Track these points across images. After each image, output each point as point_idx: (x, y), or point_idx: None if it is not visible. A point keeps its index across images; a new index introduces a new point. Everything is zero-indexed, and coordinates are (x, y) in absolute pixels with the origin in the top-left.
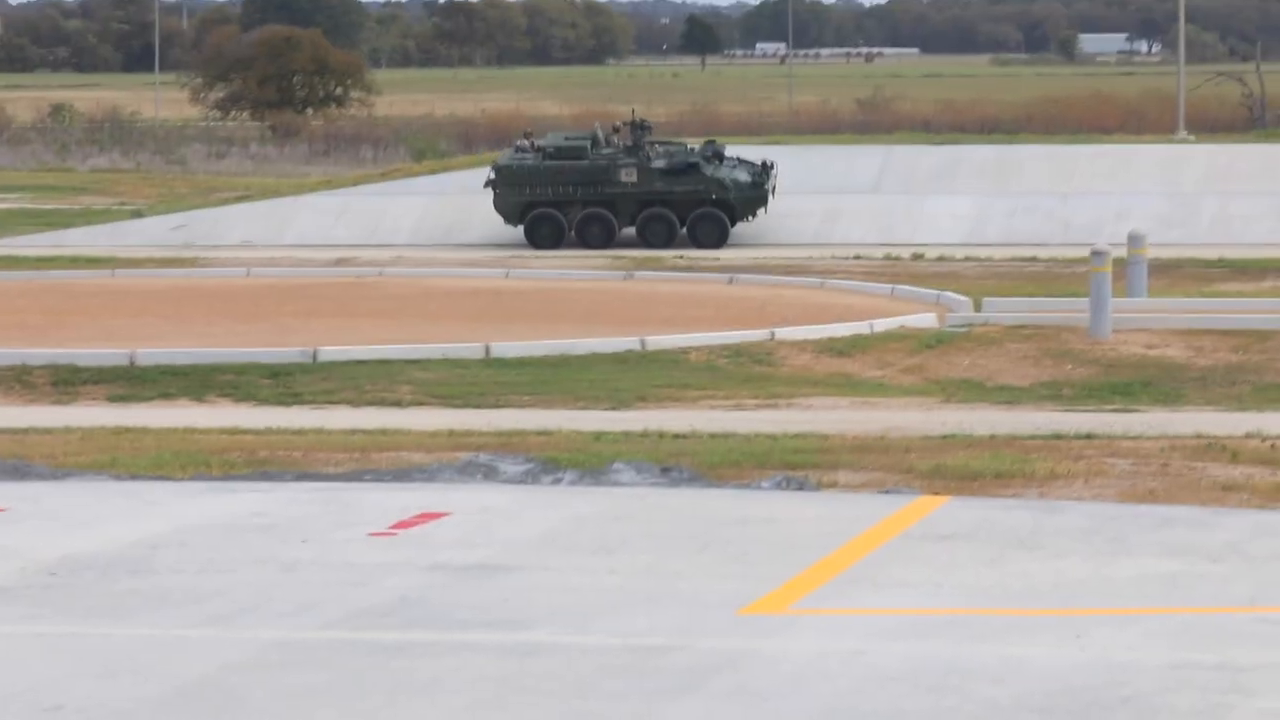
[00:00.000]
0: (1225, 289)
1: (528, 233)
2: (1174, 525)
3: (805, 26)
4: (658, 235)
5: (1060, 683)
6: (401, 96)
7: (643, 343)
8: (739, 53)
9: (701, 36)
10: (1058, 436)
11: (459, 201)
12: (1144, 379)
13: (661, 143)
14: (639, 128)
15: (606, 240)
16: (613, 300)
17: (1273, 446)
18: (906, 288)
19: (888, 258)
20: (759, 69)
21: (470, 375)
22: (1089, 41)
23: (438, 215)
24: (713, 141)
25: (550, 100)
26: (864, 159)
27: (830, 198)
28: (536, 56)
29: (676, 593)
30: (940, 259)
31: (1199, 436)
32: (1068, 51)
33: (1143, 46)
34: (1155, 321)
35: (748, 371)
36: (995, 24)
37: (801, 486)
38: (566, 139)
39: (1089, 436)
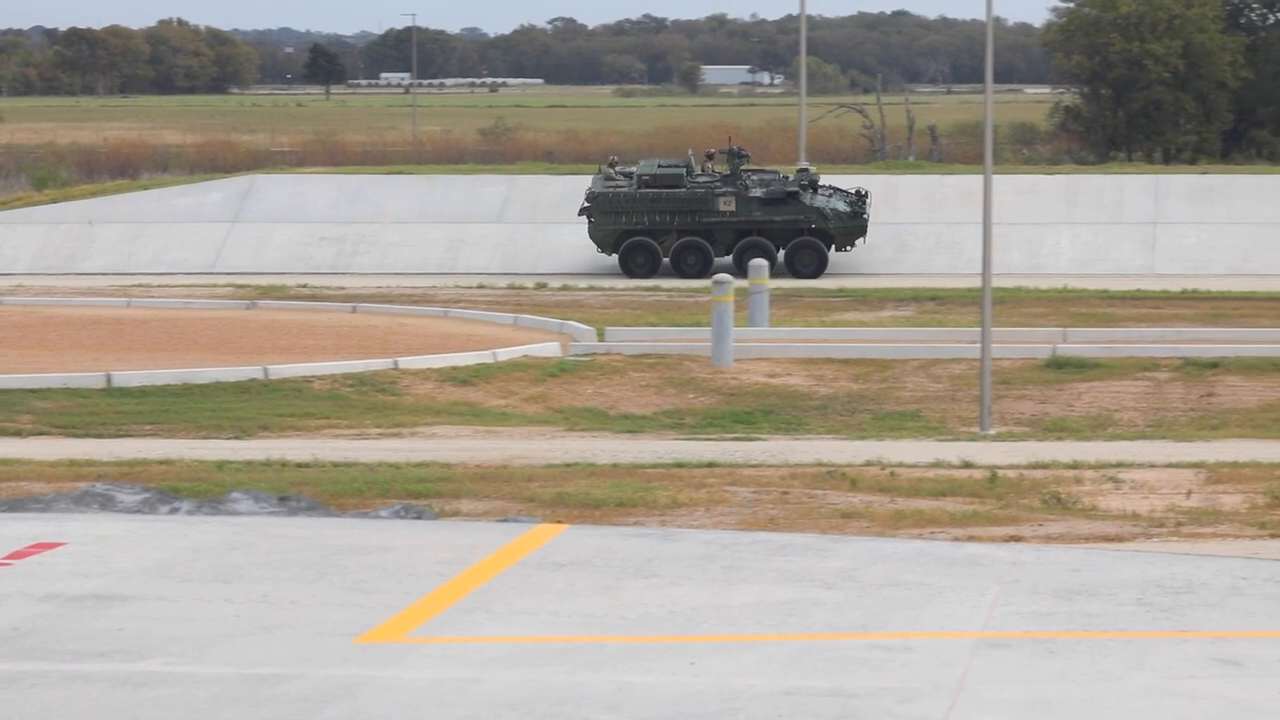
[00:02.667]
0: (845, 318)
1: (622, 262)
2: (790, 552)
3: (430, 56)
4: None
5: (674, 709)
6: (23, 125)
7: (266, 371)
8: (364, 82)
9: (326, 66)
10: (680, 465)
11: (80, 230)
12: (765, 407)
13: (755, 171)
14: (736, 156)
15: (703, 269)
16: (236, 329)
17: (891, 474)
18: (530, 317)
19: (511, 287)
20: (384, 98)
21: (92, 405)
22: (712, 73)
23: (59, 244)
24: (806, 170)
25: (173, 129)
26: (488, 188)
27: (454, 227)
28: (160, 85)
29: (293, 622)
30: (564, 288)
31: (819, 464)
32: (691, 83)
33: (765, 78)
34: (776, 350)
35: (371, 400)
36: (619, 55)
37: (420, 515)
38: (660, 166)
39: (711, 465)
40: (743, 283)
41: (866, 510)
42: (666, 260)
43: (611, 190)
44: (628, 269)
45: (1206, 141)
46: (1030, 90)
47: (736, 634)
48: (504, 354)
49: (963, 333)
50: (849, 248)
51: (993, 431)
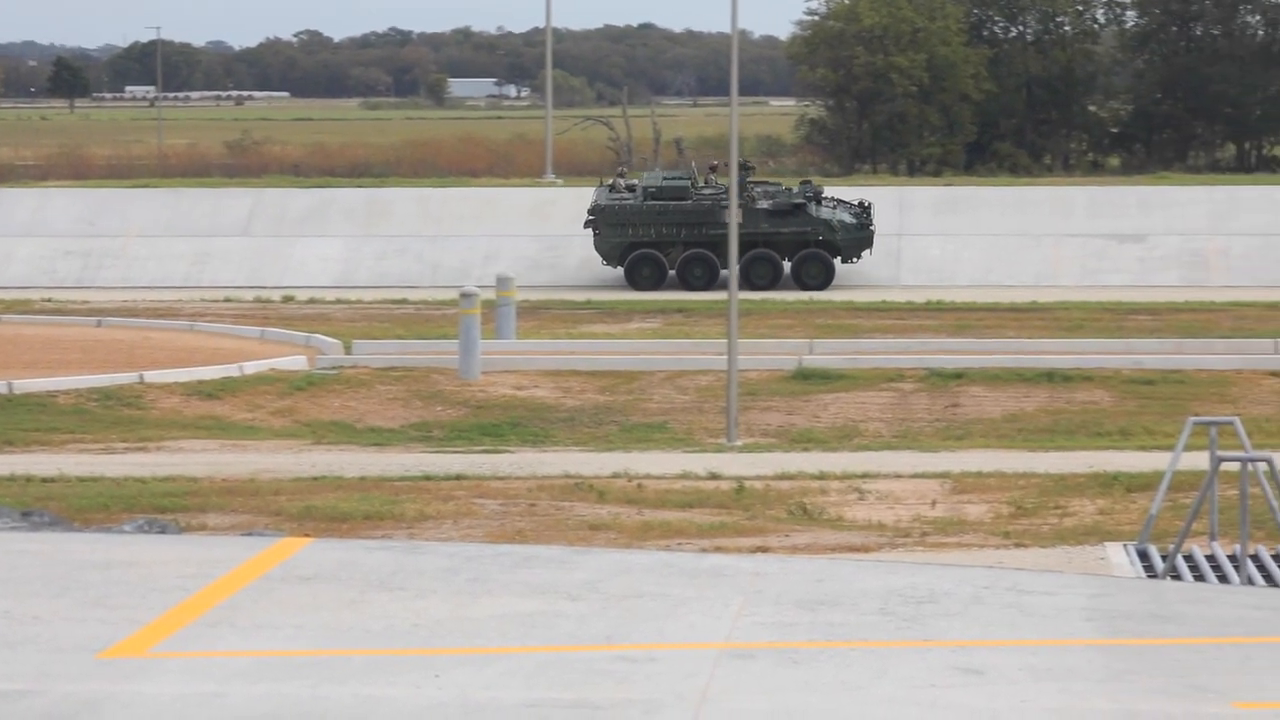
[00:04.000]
0: (593, 330)
1: (628, 274)
2: (536, 564)
3: (175, 69)
4: (762, 277)
5: None
6: None
7: (10, 386)
8: (109, 96)
9: (70, 79)
10: (427, 478)
11: None
12: (513, 419)
13: (758, 183)
14: (742, 168)
15: (709, 281)
16: None
17: (639, 486)
18: (277, 330)
19: (258, 300)
20: (129, 112)
21: None
22: (459, 85)
23: None
24: (809, 182)
25: None
26: (233, 201)
27: (200, 240)
28: None
29: (35, 638)
30: (311, 301)
31: (567, 476)
32: (437, 96)
33: (511, 90)
34: (524, 363)
35: (117, 414)
36: (365, 68)
37: (165, 529)
38: (665, 178)
39: (459, 477)
40: (489, 294)
41: (614, 522)
42: (672, 273)
43: (617, 203)
44: (633, 281)
45: (950, 154)
46: (776, 103)
47: (481, 646)
48: (250, 367)
49: (709, 344)
50: (855, 259)
51: (740, 443)
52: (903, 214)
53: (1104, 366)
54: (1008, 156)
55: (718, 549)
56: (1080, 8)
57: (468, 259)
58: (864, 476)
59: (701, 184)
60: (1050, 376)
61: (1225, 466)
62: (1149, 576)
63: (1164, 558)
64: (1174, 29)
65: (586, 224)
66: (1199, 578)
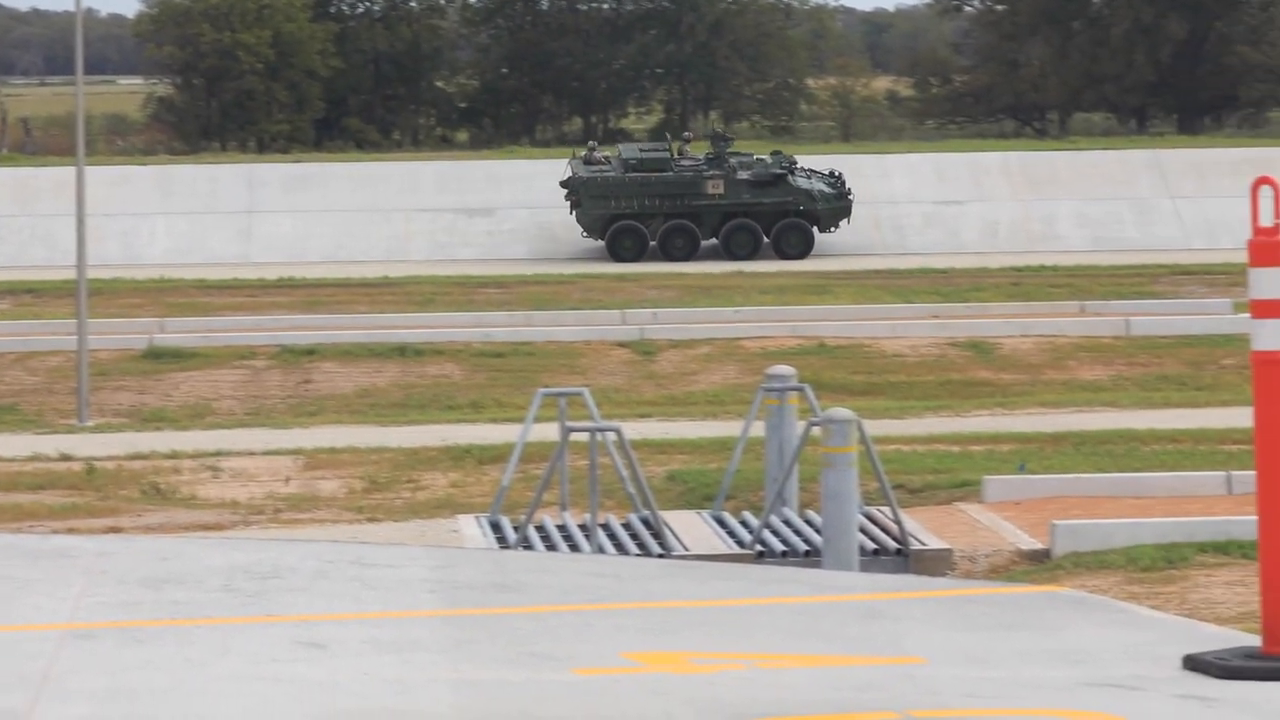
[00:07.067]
0: None
1: (610, 246)
2: None
3: None
4: (742, 247)
5: None
6: None
7: None
8: None
9: None
10: None
11: None
12: None
13: (733, 154)
14: (720, 139)
15: (690, 252)
16: None
17: None
18: None
19: None
20: None
21: None
22: None
23: None
24: (779, 152)
25: None
26: None
27: None
28: None
29: None
30: None
31: None
32: None
33: None
34: None
35: None
36: None
37: None
38: (643, 150)
39: None
40: None
41: None
42: (654, 244)
43: (599, 175)
44: (615, 253)
45: (300, 130)
46: (124, 81)
47: None
48: None
49: (59, 325)
50: (834, 228)
51: (91, 423)
52: (253, 191)
53: (455, 340)
54: (358, 132)
55: (70, 530)
56: None
57: None
58: (217, 454)
59: (676, 156)
60: (402, 351)
61: (575, 437)
62: (502, 547)
63: (516, 529)
64: (520, 3)
65: (567, 198)
66: (551, 548)
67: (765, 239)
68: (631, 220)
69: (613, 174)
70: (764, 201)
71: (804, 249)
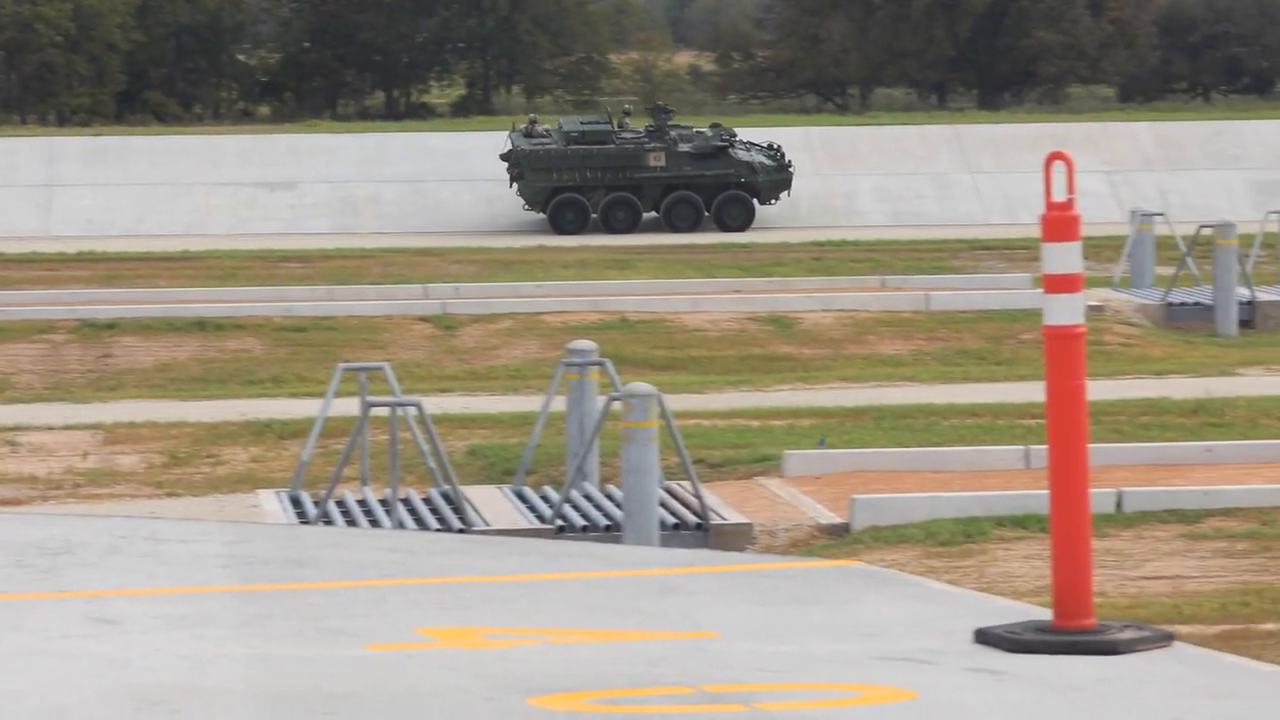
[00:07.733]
0: None
1: (551, 218)
2: None
3: None
4: (684, 219)
5: None
6: None
7: None
8: None
9: None
10: None
11: None
12: None
13: (674, 127)
14: (661, 112)
15: (632, 225)
16: None
17: None
18: None
19: None
20: None
21: None
22: None
23: None
24: (719, 125)
25: None
26: None
27: None
28: None
29: None
30: None
31: None
32: None
33: None
34: None
35: None
36: None
37: None
38: (584, 123)
39: None
40: None
41: None
42: (595, 216)
43: (540, 148)
44: (557, 226)
45: (100, 104)
46: None
47: None
48: None
49: None
50: (774, 200)
51: None
52: (53, 165)
53: (255, 314)
54: (159, 106)
55: None
56: None
57: None
58: (15, 429)
59: (616, 128)
60: (202, 325)
61: (376, 412)
62: (301, 523)
63: (316, 504)
64: None
65: (508, 171)
66: (352, 523)
67: (706, 212)
68: (573, 193)
69: (554, 147)
70: (705, 174)
71: (745, 221)
